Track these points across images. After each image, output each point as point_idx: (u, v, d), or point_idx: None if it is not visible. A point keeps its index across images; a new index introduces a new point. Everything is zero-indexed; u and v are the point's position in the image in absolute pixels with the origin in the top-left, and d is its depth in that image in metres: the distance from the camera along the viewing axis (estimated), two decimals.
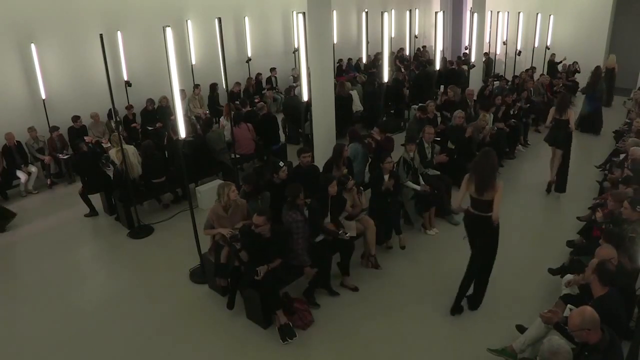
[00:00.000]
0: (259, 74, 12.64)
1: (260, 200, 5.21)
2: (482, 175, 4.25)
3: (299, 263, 4.75)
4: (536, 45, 13.64)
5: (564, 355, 2.89)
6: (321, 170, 6.05)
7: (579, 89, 12.26)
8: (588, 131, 10.19)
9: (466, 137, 7.36)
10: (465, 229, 4.64)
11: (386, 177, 5.64)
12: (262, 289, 4.39)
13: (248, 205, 5.06)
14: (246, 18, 12.42)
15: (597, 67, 10.48)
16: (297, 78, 12.31)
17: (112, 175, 7.01)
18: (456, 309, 4.70)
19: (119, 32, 9.70)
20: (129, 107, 9.65)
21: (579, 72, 13.05)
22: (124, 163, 6.38)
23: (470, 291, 4.72)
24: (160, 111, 9.88)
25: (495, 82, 11.84)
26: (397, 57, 15.78)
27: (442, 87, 12.16)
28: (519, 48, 13.91)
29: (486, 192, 4.26)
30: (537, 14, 13.36)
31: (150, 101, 9.85)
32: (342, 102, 9.49)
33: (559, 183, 7.20)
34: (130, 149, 6.96)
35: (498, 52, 14.79)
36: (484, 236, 4.48)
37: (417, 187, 6.11)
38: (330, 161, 6.01)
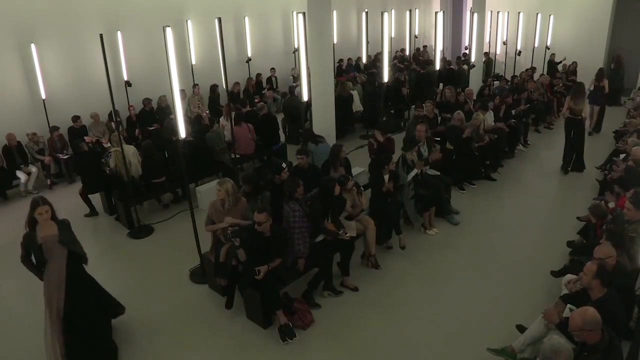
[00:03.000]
0: (259, 74, 12.64)
1: (260, 200, 5.21)
2: (578, 95, 7.70)
3: (295, 255, 4.75)
4: (536, 45, 13.64)
5: (566, 354, 2.89)
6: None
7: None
8: (611, 105, 11.60)
9: (464, 138, 7.35)
10: (564, 129, 8.05)
11: (386, 177, 5.65)
12: (262, 288, 4.39)
13: (248, 205, 5.06)
14: (246, 18, 12.43)
15: (619, 55, 12.21)
16: (297, 78, 12.31)
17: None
18: (565, 172, 8.04)
19: (119, 32, 9.71)
20: (130, 108, 9.64)
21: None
22: (120, 164, 6.44)
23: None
24: (159, 111, 9.89)
25: (495, 82, 11.85)
26: (397, 57, 15.79)
27: (441, 85, 12.18)
28: (519, 48, 13.91)
29: (580, 104, 7.65)
30: (537, 14, 13.36)
31: (147, 100, 9.86)
32: (342, 102, 9.50)
33: (596, 125, 10.27)
34: (130, 149, 6.97)
35: (498, 52, 14.80)
36: (578, 128, 7.83)
37: (414, 173, 6.09)
38: (327, 162, 6.03)
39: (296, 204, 4.76)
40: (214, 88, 11.37)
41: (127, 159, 6.53)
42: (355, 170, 6.82)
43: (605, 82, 9.88)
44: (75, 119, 8.81)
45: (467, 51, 14.72)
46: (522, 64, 14.42)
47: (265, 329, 4.55)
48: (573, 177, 8.07)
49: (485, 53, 13.91)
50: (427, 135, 6.77)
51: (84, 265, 4.12)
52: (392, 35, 15.32)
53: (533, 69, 12.49)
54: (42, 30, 8.74)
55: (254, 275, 4.30)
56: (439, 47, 9.78)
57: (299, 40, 6.50)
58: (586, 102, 7.67)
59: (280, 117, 9.99)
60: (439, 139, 7.76)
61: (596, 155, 8.65)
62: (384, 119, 10.23)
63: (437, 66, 10.26)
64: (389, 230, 5.77)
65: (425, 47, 17.62)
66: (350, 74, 13.37)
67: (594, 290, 3.50)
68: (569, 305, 3.86)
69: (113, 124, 8.84)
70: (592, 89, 9.99)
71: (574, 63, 13.25)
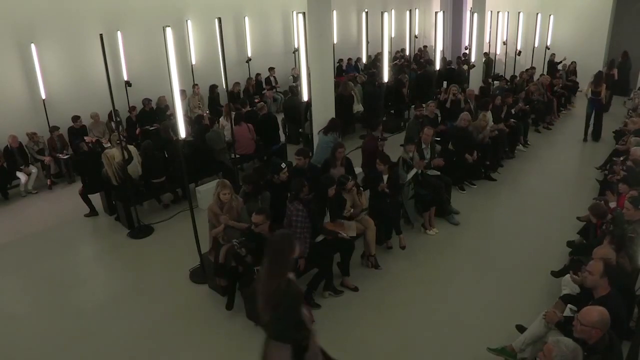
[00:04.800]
0: (258, 74, 12.64)
1: (261, 201, 5.21)
2: (598, 80, 9.50)
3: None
4: (536, 45, 13.64)
5: (581, 351, 2.89)
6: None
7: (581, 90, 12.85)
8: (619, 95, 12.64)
9: (466, 140, 7.34)
10: (586, 107, 9.82)
11: (385, 177, 5.65)
12: None
13: (248, 206, 5.06)
14: (246, 18, 12.42)
15: (625, 52, 13.25)
16: (297, 78, 12.31)
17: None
18: (585, 140, 9.84)
19: (119, 32, 9.70)
20: (132, 109, 9.64)
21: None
22: (108, 168, 6.54)
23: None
24: (159, 111, 9.88)
25: (495, 82, 11.86)
26: (398, 57, 15.78)
27: (444, 83, 12.17)
28: (519, 48, 13.91)
29: (599, 87, 9.45)
30: (537, 14, 13.36)
31: (147, 101, 9.86)
32: (343, 102, 9.50)
33: (606, 105, 10.86)
34: (131, 149, 6.96)
35: (498, 52, 14.79)
36: (598, 106, 9.56)
37: (413, 172, 6.10)
38: (327, 160, 6.05)
39: (300, 204, 4.75)
40: (213, 88, 11.37)
41: (113, 166, 6.63)
42: (357, 170, 6.82)
43: (615, 71, 11.59)
44: (75, 119, 8.80)
45: (467, 51, 14.71)
46: (522, 64, 14.41)
47: None
48: (573, 177, 8.07)
49: (485, 53, 13.91)
50: (432, 138, 6.80)
51: None
52: (392, 35, 15.32)
53: (533, 69, 12.49)
54: (42, 30, 8.74)
55: (254, 276, 4.30)
56: (439, 47, 9.78)
57: (299, 40, 6.49)
58: (603, 84, 9.55)
59: (280, 117, 9.99)
60: (439, 139, 7.75)
61: (596, 155, 8.66)
62: (384, 119, 10.23)
63: (437, 66, 10.26)
64: (389, 230, 5.77)
65: (425, 47, 17.61)
66: (350, 74, 13.38)
67: (599, 289, 3.50)
68: (569, 305, 3.86)
69: (113, 124, 8.84)
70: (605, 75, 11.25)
71: (574, 63, 13.26)
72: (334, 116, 7.35)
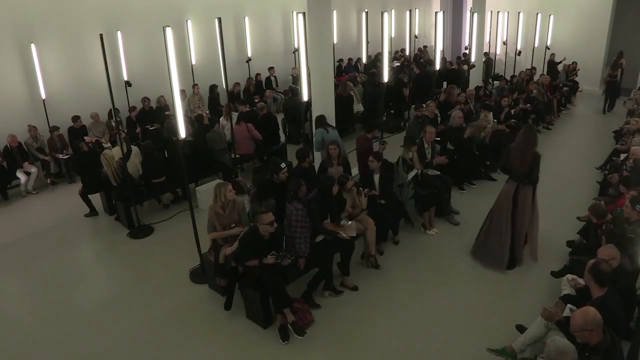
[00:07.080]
0: (258, 74, 12.64)
1: (264, 207, 5.19)
2: (615, 66, 11.42)
3: (296, 254, 4.74)
4: (536, 45, 13.64)
5: (571, 355, 2.87)
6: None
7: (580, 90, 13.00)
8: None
9: (465, 138, 7.35)
10: (605, 87, 12.10)
11: (376, 177, 5.66)
12: (265, 288, 4.38)
13: (252, 206, 5.06)
14: (246, 18, 12.42)
15: (621, 52, 13.16)
16: (297, 78, 12.31)
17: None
18: (604, 112, 12.17)
19: (119, 32, 9.70)
20: (132, 109, 9.64)
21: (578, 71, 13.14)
22: (107, 168, 6.57)
23: None
24: (159, 111, 9.88)
25: (495, 82, 11.85)
26: (397, 57, 15.79)
27: (444, 83, 12.18)
28: (519, 48, 13.91)
29: (615, 71, 11.51)
30: (537, 14, 13.35)
31: (146, 99, 9.85)
32: (342, 102, 9.49)
33: (618, 89, 12.46)
34: (133, 149, 6.97)
35: (498, 52, 14.79)
36: (614, 85, 11.82)
37: (413, 172, 6.11)
38: (324, 160, 6.06)
39: (299, 203, 4.75)
40: (213, 88, 11.37)
41: (112, 165, 6.65)
42: (354, 171, 6.82)
43: (623, 61, 12.36)
44: (75, 119, 8.80)
45: (467, 51, 14.71)
46: (522, 64, 14.41)
47: (265, 329, 4.55)
48: (573, 177, 8.06)
49: (485, 53, 13.91)
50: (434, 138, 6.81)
51: None
52: (392, 35, 15.33)
53: (533, 69, 12.49)
54: (42, 30, 8.74)
55: (282, 263, 4.31)
56: (439, 47, 9.78)
57: (299, 40, 6.49)
58: (619, 70, 11.44)
59: (280, 117, 9.98)
60: (438, 139, 7.74)
61: (596, 155, 8.66)
62: (384, 119, 10.23)
63: (437, 66, 10.26)
64: (385, 230, 5.78)
65: (425, 47, 17.61)
66: (351, 73, 13.37)
67: (593, 289, 3.52)
68: (569, 305, 3.86)
69: (113, 123, 8.83)
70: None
71: (574, 63, 13.26)
72: (333, 116, 7.36)
